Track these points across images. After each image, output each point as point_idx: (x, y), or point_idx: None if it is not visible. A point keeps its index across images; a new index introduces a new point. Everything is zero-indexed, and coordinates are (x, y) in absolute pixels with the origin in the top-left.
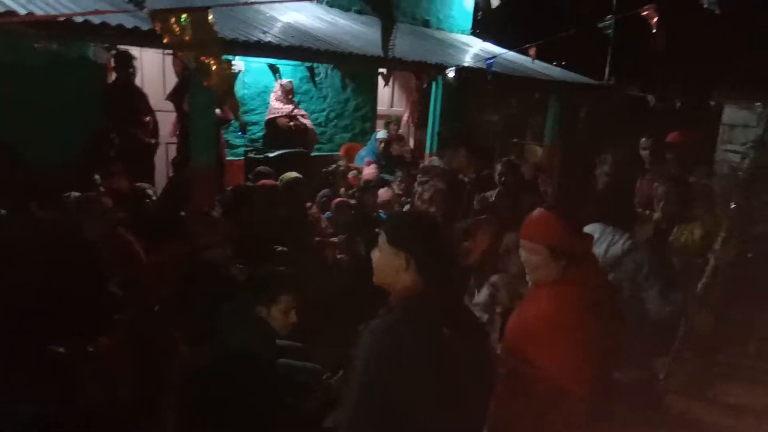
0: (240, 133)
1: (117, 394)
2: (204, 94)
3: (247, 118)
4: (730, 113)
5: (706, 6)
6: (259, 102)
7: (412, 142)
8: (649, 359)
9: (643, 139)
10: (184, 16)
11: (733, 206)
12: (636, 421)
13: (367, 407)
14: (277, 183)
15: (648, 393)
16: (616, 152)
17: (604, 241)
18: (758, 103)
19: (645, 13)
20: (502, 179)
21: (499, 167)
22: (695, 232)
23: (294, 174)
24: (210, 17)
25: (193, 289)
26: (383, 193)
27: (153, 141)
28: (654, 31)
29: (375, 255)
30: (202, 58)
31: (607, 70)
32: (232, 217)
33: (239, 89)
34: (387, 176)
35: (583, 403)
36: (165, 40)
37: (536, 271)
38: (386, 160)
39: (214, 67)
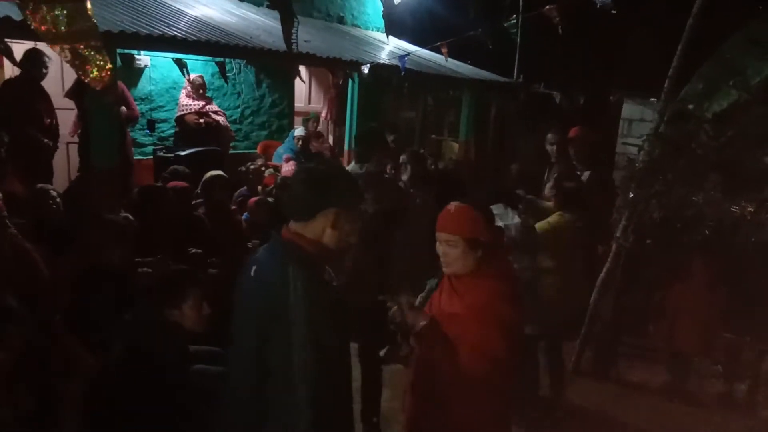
0: (148, 132)
1: (13, 409)
2: None
3: (155, 115)
4: (629, 108)
5: (599, 5)
6: (168, 98)
7: (331, 139)
8: None
9: (549, 135)
10: (58, 5)
11: (631, 196)
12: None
13: None
14: (188, 185)
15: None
16: (525, 147)
17: (506, 217)
18: (653, 99)
19: (547, 10)
20: (406, 171)
21: (401, 158)
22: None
23: (216, 172)
24: (89, 6)
25: (96, 298)
26: None
27: (50, 142)
28: (558, 29)
29: None
30: (78, 49)
31: (516, 69)
32: (139, 220)
33: (145, 85)
34: None
35: (507, 391)
36: (38, 31)
37: (454, 263)
38: (305, 157)
39: (90, 61)
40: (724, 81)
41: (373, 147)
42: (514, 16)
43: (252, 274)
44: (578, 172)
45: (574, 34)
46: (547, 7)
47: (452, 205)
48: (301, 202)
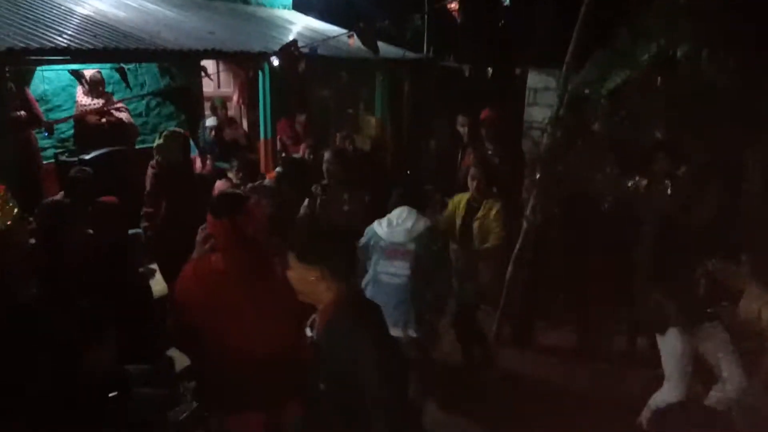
0: (46, 134)
1: None
2: None
3: (52, 116)
4: (534, 78)
5: None
6: (66, 97)
7: (245, 124)
8: None
9: (460, 117)
10: None
11: (538, 176)
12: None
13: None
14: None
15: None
16: (437, 126)
17: (410, 219)
18: (556, 69)
19: (451, 5)
20: (330, 169)
21: (326, 157)
22: (493, 207)
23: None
24: None
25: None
26: (220, 185)
27: None
28: (459, 17)
29: (289, 275)
30: None
31: (425, 44)
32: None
33: (39, 85)
34: (223, 164)
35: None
36: None
37: None
38: (220, 147)
39: None
40: (615, 65)
41: (296, 179)
42: (418, 15)
43: None
44: (489, 151)
45: (480, 13)
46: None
47: None
48: None
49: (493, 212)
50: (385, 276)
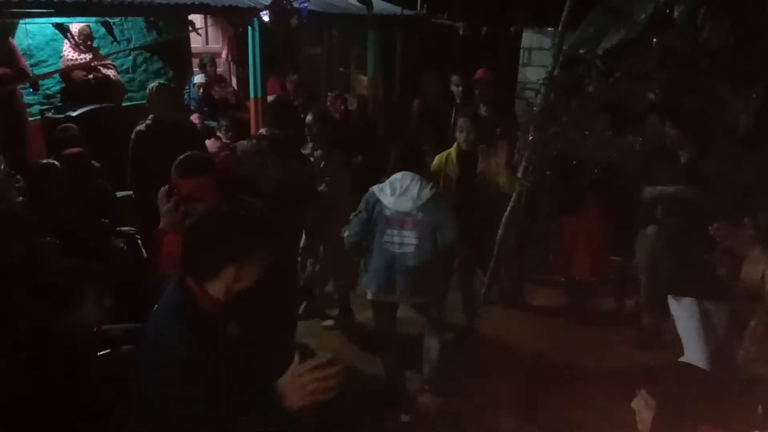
0: (31, 90)
1: None
2: None
3: (37, 71)
4: (528, 37)
5: None
6: (50, 51)
7: (234, 82)
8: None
9: (454, 77)
10: None
11: (531, 138)
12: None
13: None
14: (83, 150)
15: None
16: (429, 86)
17: (414, 186)
18: (551, 28)
19: None
20: (313, 132)
21: (308, 119)
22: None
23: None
24: None
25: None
26: (209, 145)
27: None
28: None
29: None
30: None
31: (418, 1)
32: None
33: (22, 40)
34: (211, 123)
35: None
36: None
37: None
38: (208, 105)
39: None
40: (612, 24)
41: (282, 118)
42: None
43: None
44: (483, 113)
45: None
46: None
47: None
48: (199, 261)
49: (497, 161)
50: (391, 245)
